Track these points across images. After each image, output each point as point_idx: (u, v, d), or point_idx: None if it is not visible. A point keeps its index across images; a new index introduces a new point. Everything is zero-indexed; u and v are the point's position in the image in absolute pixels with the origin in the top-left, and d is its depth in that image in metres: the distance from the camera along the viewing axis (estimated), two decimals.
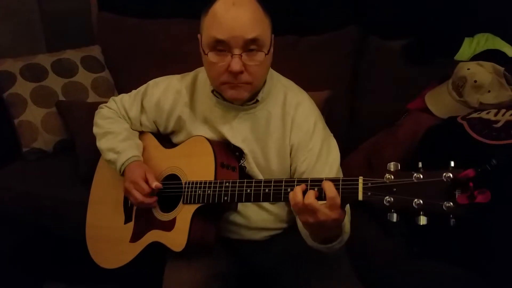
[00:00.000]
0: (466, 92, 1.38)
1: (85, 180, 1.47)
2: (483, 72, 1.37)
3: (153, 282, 1.16)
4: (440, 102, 1.44)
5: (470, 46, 1.68)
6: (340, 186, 0.88)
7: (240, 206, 1.14)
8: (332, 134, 1.16)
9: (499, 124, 1.23)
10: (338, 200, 0.86)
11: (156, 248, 1.15)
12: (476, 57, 1.58)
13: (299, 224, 1.05)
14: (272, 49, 1.06)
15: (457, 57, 1.67)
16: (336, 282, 1.09)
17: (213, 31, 0.98)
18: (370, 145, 1.50)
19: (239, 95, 1.04)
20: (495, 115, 1.26)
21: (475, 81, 1.36)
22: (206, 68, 1.07)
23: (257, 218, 1.16)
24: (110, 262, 1.24)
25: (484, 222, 1.17)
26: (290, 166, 1.14)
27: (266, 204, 1.16)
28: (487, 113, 1.29)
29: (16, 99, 1.77)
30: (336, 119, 1.65)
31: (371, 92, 1.73)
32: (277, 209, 1.17)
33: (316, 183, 0.90)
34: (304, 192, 0.89)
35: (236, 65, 0.97)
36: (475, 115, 1.31)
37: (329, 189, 0.86)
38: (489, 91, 1.36)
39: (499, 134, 1.21)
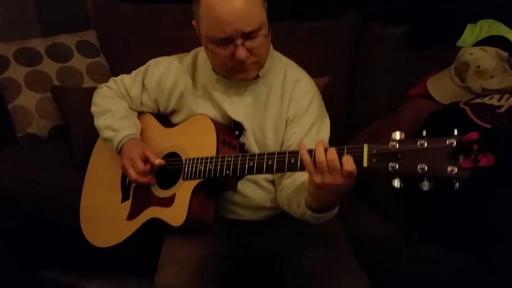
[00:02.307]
0: (469, 78, 1.36)
1: (80, 166, 1.46)
2: (486, 57, 1.34)
3: (149, 267, 1.13)
4: (442, 87, 1.42)
5: (472, 32, 1.65)
6: (345, 154, 0.87)
7: (239, 185, 1.14)
8: (327, 115, 1.17)
9: (502, 110, 1.21)
10: (355, 172, 0.84)
11: (154, 225, 1.13)
12: (479, 44, 1.55)
13: (290, 192, 1.04)
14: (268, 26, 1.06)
15: (459, 43, 1.64)
16: (337, 265, 1.08)
17: (213, 31, 1.00)
18: (370, 132, 1.48)
19: (248, 76, 1.08)
20: (498, 100, 1.24)
21: (478, 67, 1.33)
22: (211, 59, 1.10)
23: (256, 196, 1.16)
24: (105, 241, 1.22)
25: (483, 207, 1.16)
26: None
27: (264, 183, 1.16)
28: (490, 98, 1.26)
29: (9, 83, 1.74)
30: (335, 106, 1.61)
31: (370, 79, 1.70)
32: (275, 186, 1.16)
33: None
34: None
35: (241, 53, 1.00)
36: (477, 100, 1.28)
37: (348, 163, 0.84)
38: (492, 77, 1.33)
39: (502, 119, 1.19)
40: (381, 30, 1.75)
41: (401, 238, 1.28)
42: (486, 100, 1.27)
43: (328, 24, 1.77)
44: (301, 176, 1.04)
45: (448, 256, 1.23)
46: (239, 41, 0.99)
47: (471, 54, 1.37)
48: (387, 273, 1.28)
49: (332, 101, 1.58)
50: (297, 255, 1.13)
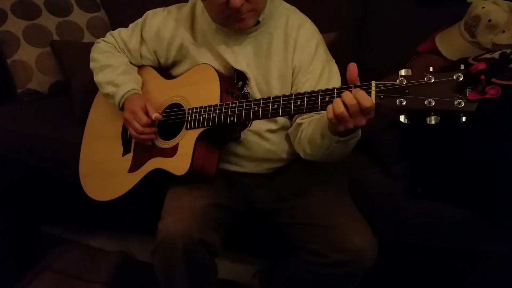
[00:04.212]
0: (479, 32, 1.32)
1: (81, 122, 1.45)
2: (498, 10, 1.31)
3: (151, 225, 1.12)
4: (451, 43, 1.38)
5: None
6: None
7: (242, 136, 1.13)
8: (334, 60, 1.16)
9: None
10: (373, 107, 0.83)
11: (156, 178, 1.13)
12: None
13: (310, 131, 1.02)
14: None
15: None
16: (340, 217, 1.08)
17: None
18: None
19: (246, 25, 1.05)
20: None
21: (490, 20, 1.30)
22: (207, 7, 1.08)
23: (259, 148, 1.15)
24: (107, 194, 1.22)
25: (487, 162, 1.16)
26: (291, 89, 1.13)
27: (267, 134, 1.15)
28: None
29: (7, 37, 1.70)
30: (342, 62, 1.58)
31: (379, 35, 1.67)
32: (278, 137, 1.16)
33: (340, 91, 0.87)
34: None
35: (235, 1, 0.98)
36: (487, 56, 1.26)
37: (365, 99, 0.82)
38: (503, 31, 1.30)
39: None
40: None
41: (405, 193, 1.28)
42: (496, 55, 1.24)
43: None
44: (316, 115, 1.04)
45: (451, 211, 1.24)
46: None
47: (483, 7, 1.33)
48: (391, 228, 1.29)
49: (339, 57, 1.54)
50: (300, 207, 1.13)
